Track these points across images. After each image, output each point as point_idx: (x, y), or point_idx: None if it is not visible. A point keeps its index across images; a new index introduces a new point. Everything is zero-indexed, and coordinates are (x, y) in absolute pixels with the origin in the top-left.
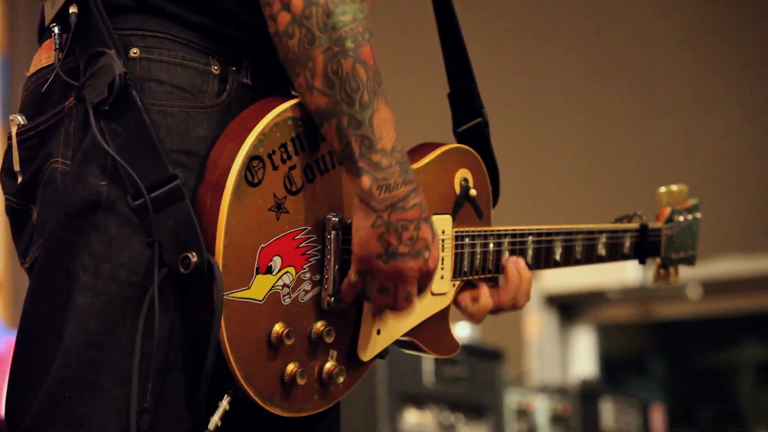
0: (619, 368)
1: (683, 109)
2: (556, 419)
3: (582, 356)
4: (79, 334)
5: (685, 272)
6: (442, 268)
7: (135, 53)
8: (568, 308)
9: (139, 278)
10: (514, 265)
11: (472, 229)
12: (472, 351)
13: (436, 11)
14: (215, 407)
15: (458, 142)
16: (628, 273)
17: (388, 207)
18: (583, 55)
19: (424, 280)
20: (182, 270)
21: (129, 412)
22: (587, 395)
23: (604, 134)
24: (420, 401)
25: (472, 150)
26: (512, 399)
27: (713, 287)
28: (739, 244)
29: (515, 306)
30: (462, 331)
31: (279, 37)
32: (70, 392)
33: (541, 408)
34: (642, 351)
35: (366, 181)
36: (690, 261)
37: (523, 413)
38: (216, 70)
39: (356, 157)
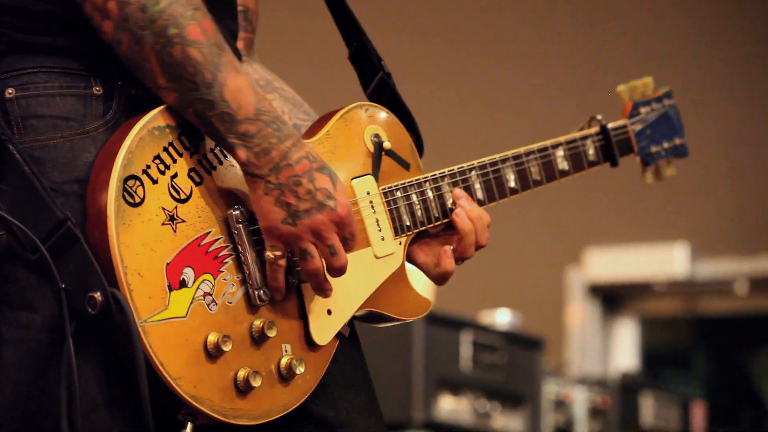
0: (661, 362)
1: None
2: (594, 412)
3: (624, 349)
4: (6, 389)
5: (733, 267)
6: (380, 230)
7: (10, 93)
8: (612, 299)
9: (55, 322)
10: (460, 212)
11: (402, 180)
12: (512, 338)
13: None
14: None
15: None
16: (675, 265)
17: (272, 169)
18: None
19: (343, 228)
20: (91, 311)
21: None
22: (627, 389)
23: None
24: (456, 387)
25: (373, 104)
26: (550, 389)
27: (761, 283)
28: None
29: (480, 247)
30: (502, 317)
31: (113, 47)
32: None
33: (580, 400)
34: (685, 346)
35: (241, 153)
36: (679, 150)
37: (561, 404)
38: (98, 90)
39: (224, 136)
